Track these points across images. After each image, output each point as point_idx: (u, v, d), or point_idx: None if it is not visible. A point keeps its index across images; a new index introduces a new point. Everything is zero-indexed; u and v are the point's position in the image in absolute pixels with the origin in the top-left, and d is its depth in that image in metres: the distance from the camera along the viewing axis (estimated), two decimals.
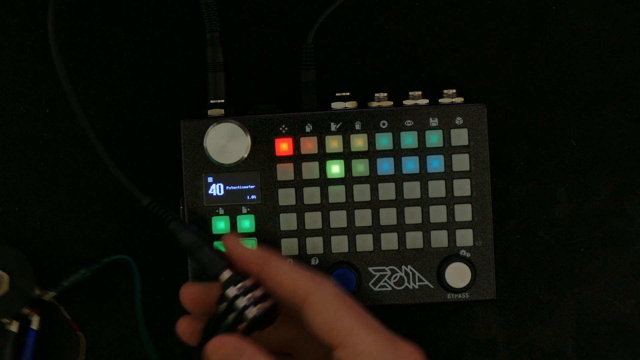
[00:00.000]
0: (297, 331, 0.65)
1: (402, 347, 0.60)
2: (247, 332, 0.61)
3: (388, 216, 0.71)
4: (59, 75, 0.67)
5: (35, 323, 0.73)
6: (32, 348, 0.74)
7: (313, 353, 0.65)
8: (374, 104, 0.71)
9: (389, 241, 0.70)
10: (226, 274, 0.62)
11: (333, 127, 0.70)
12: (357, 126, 0.70)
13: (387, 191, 0.70)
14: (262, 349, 0.60)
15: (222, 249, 0.64)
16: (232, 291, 0.62)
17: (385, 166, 0.71)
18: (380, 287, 0.71)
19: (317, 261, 0.71)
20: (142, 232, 0.74)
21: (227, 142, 0.69)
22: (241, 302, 0.61)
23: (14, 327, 0.73)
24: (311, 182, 0.70)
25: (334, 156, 0.70)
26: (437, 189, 0.71)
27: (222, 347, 0.60)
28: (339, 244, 0.71)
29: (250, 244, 0.69)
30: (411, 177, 0.71)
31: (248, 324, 0.61)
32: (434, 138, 0.70)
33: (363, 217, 0.71)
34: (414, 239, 0.71)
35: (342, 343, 0.59)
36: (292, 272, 0.62)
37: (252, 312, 0.61)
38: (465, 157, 0.70)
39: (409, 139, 0.70)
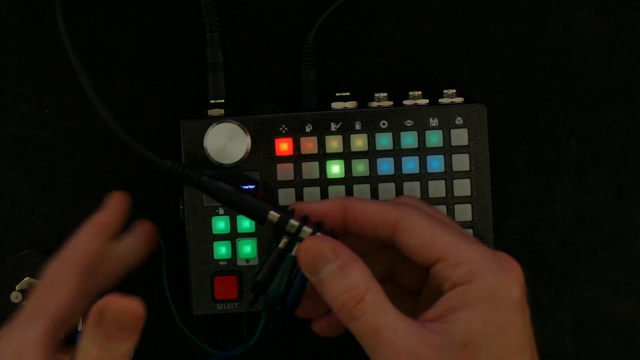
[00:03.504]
0: (395, 253, 0.64)
1: (504, 256, 0.59)
2: None
3: None
4: (74, 65, 0.68)
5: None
6: None
7: (412, 273, 0.64)
8: (374, 104, 0.71)
9: None
10: (274, 214, 0.62)
11: (333, 127, 0.70)
12: (357, 126, 0.70)
13: (387, 191, 0.70)
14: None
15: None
16: (293, 223, 0.61)
17: (385, 166, 0.70)
18: None
19: None
20: None
21: (227, 142, 0.69)
22: (307, 229, 0.61)
23: None
24: (311, 182, 0.70)
25: (334, 156, 0.70)
26: (437, 189, 0.70)
27: (319, 246, 0.59)
28: None
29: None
30: (411, 177, 0.71)
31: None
32: (434, 138, 0.70)
33: None
34: None
35: (441, 257, 0.58)
36: (376, 205, 0.61)
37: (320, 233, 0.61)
38: (465, 157, 0.70)
39: (409, 139, 0.70)
